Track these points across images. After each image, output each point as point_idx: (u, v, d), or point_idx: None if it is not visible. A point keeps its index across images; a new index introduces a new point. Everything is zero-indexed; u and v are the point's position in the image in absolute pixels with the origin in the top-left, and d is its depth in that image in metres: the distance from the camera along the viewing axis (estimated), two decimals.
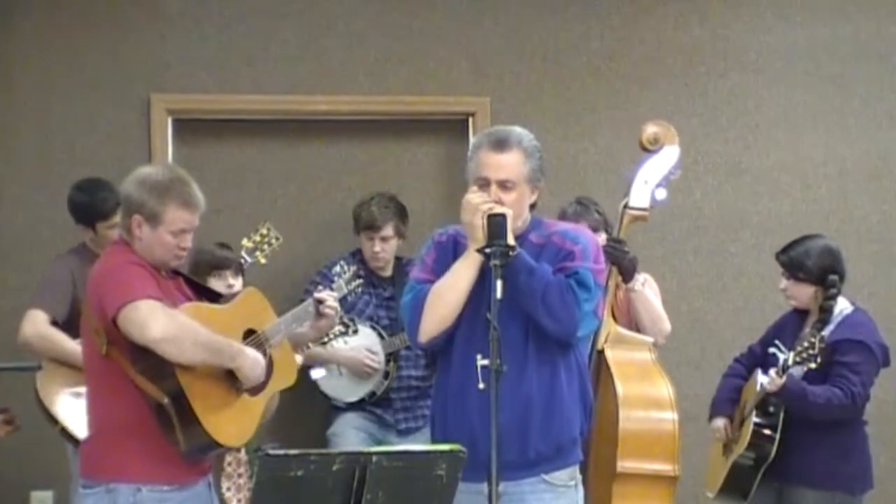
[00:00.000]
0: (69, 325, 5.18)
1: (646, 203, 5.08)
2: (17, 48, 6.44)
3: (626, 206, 5.09)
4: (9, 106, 6.43)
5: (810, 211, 6.83)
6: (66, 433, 5.17)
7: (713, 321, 6.74)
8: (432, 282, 4.15)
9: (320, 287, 5.08)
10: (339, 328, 5.59)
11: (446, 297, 4.09)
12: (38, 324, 5.23)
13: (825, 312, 5.28)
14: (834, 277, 5.29)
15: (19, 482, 6.28)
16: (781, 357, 5.15)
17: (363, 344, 5.89)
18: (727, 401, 5.49)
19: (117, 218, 5.14)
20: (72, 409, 5.13)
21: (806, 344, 5.07)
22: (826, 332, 5.22)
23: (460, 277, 4.07)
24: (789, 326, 5.45)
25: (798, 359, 5.08)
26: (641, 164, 5.12)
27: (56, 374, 5.18)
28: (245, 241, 5.77)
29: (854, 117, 6.89)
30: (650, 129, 5.13)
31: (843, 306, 5.32)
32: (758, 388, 5.29)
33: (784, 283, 5.39)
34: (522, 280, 3.99)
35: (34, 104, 6.45)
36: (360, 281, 5.17)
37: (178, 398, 4.00)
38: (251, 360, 4.17)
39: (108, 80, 6.48)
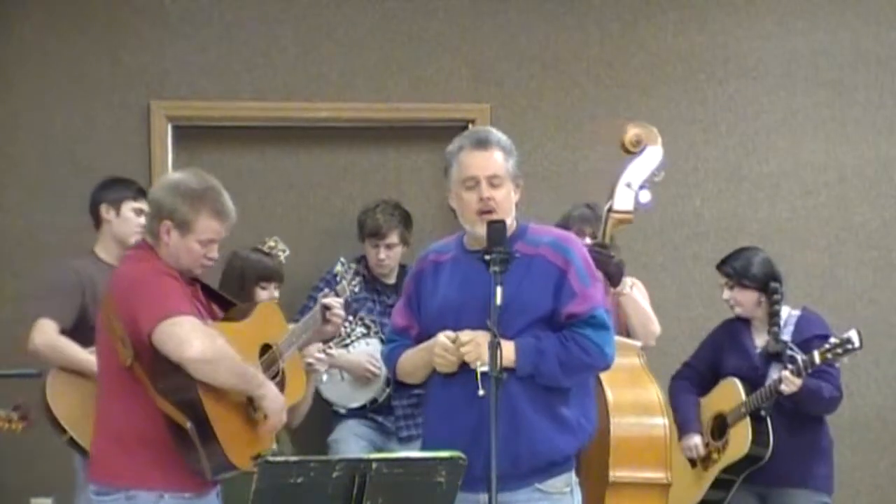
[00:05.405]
0: (75, 331, 5.18)
1: (629, 206, 5.09)
2: (16, 54, 6.44)
3: (609, 210, 5.11)
4: (8, 112, 6.44)
5: (810, 217, 6.83)
6: (74, 443, 5.15)
7: (713, 328, 6.73)
8: (406, 330, 4.21)
9: (326, 291, 5.07)
10: (360, 330, 5.66)
11: (410, 377, 4.22)
12: (47, 333, 5.19)
13: (775, 316, 5.50)
14: (776, 284, 5.53)
15: (19, 489, 6.28)
16: (800, 358, 5.23)
17: (365, 349, 5.89)
18: (696, 419, 5.59)
19: (142, 203, 5.17)
20: (81, 418, 5.12)
21: (836, 341, 5.20)
22: (787, 336, 5.44)
23: (418, 369, 4.16)
24: (738, 335, 5.61)
25: (830, 356, 5.22)
26: (625, 167, 5.12)
27: (65, 383, 5.16)
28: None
29: (854, 124, 6.89)
30: (632, 131, 5.16)
31: (788, 310, 5.56)
32: (742, 397, 5.42)
33: (727, 293, 5.59)
34: (536, 369, 4.00)
35: (34, 110, 6.45)
36: (360, 279, 5.17)
37: (202, 423, 3.98)
38: (273, 393, 4.19)
39: (107, 87, 6.49)
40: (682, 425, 5.56)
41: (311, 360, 5.34)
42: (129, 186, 5.52)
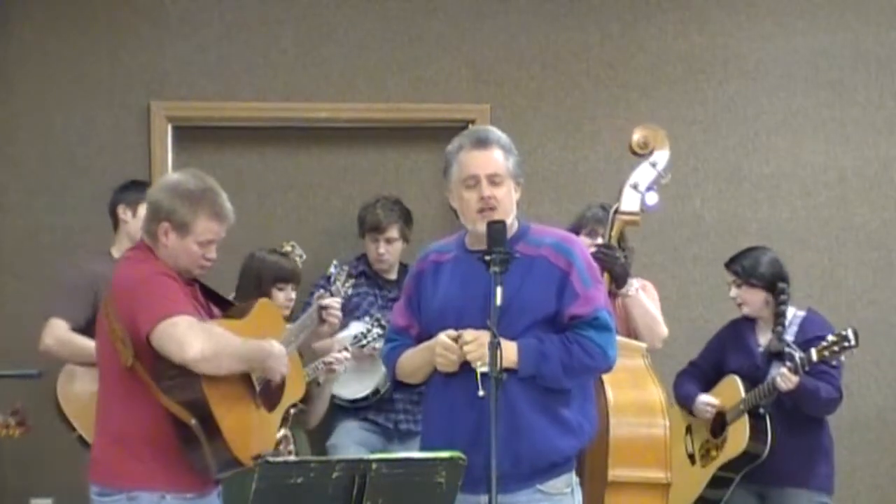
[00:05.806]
0: (88, 330, 5.16)
1: (636, 207, 5.14)
2: (16, 55, 6.44)
3: (616, 211, 5.13)
4: (9, 113, 6.44)
5: (810, 218, 6.83)
6: (83, 441, 5.16)
7: (713, 329, 6.68)
8: (407, 330, 4.21)
9: (321, 292, 5.09)
10: (377, 331, 5.64)
11: (410, 377, 4.20)
12: (57, 333, 5.25)
13: (781, 317, 5.52)
14: (783, 284, 5.56)
15: (19, 489, 6.28)
16: (798, 355, 5.24)
17: (358, 330, 5.86)
18: (696, 391, 5.62)
19: None
20: (91, 417, 5.11)
21: (832, 339, 5.22)
22: (790, 336, 5.45)
23: (418, 368, 4.14)
24: (743, 334, 5.63)
25: (827, 353, 5.22)
26: (633, 169, 5.18)
27: (76, 381, 5.18)
28: None
29: (854, 124, 6.89)
30: (639, 134, 5.22)
31: (794, 311, 5.57)
32: (742, 394, 5.44)
33: (735, 291, 5.62)
34: (538, 370, 4.00)
35: (34, 111, 6.45)
36: (354, 280, 5.17)
37: (206, 419, 3.98)
38: (277, 352, 4.22)
39: (107, 88, 6.49)
40: (685, 399, 5.61)
41: (330, 360, 5.36)
42: (147, 189, 5.56)
